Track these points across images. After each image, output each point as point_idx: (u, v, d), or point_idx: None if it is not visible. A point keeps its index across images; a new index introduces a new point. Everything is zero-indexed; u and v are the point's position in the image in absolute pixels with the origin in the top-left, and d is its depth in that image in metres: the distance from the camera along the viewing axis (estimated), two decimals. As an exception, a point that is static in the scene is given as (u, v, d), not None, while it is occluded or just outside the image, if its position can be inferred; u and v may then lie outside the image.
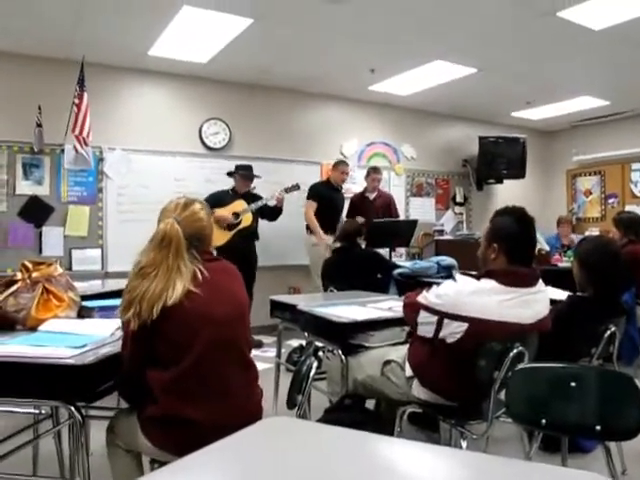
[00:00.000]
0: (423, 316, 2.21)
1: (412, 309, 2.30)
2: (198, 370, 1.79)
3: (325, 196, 6.14)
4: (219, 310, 1.85)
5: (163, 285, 1.77)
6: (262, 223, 5.94)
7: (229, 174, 5.87)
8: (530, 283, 2.23)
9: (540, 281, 2.29)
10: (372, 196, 6.51)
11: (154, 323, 1.76)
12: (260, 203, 5.66)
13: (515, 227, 2.25)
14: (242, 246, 5.39)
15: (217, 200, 5.47)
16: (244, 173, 5.76)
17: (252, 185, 5.83)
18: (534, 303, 2.22)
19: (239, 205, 5.63)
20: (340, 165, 6.32)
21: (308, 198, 6.17)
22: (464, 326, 2.09)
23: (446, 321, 2.13)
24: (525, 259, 2.25)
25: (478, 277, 2.21)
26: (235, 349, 1.91)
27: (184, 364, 1.77)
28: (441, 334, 2.15)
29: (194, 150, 6.30)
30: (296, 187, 5.82)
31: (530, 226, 2.27)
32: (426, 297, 2.24)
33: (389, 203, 6.59)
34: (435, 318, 2.15)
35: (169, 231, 1.84)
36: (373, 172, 6.48)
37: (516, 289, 2.16)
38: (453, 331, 2.12)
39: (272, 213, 5.82)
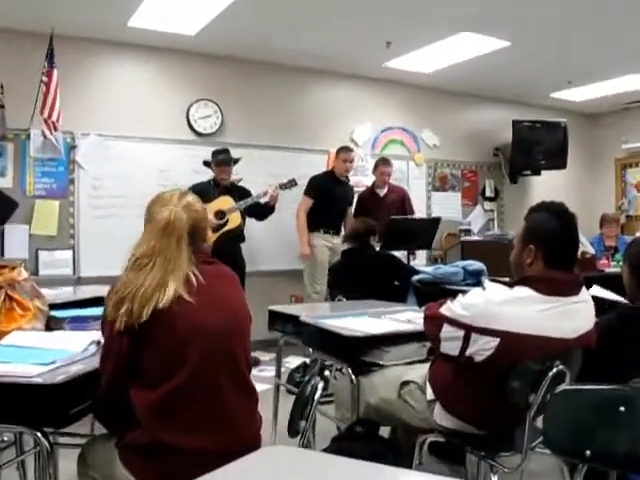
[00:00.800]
0: (447, 330, 2.20)
1: (434, 322, 2.29)
2: (189, 390, 1.80)
3: (325, 190, 6.12)
4: (215, 321, 1.88)
5: (158, 281, 1.81)
6: (257, 222, 5.94)
7: (206, 164, 5.80)
8: (572, 291, 2.22)
9: (583, 289, 2.28)
10: (382, 192, 6.53)
11: (143, 328, 1.78)
12: (250, 201, 5.59)
13: (554, 225, 2.24)
14: (227, 250, 4.99)
15: (198, 194, 5.17)
16: (220, 158, 5.65)
17: (236, 175, 5.74)
18: (576, 314, 2.21)
19: (225, 202, 5.54)
20: (342, 152, 6.28)
21: (304, 193, 6.16)
22: (495, 341, 2.07)
23: (474, 336, 2.11)
24: (566, 263, 2.25)
25: (511, 285, 2.21)
26: (233, 368, 1.92)
27: (173, 383, 1.79)
28: (468, 351, 2.14)
29: (181, 136, 6.32)
30: (293, 183, 5.78)
31: (572, 224, 2.27)
32: (450, 308, 2.23)
33: (403, 199, 6.61)
34: (461, 333, 2.14)
35: (173, 219, 1.91)
36: (382, 164, 6.51)
37: (555, 298, 2.15)
38: (482, 347, 2.10)
39: (262, 211, 5.77)
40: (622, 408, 1.70)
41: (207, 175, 5.83)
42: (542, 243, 2.24)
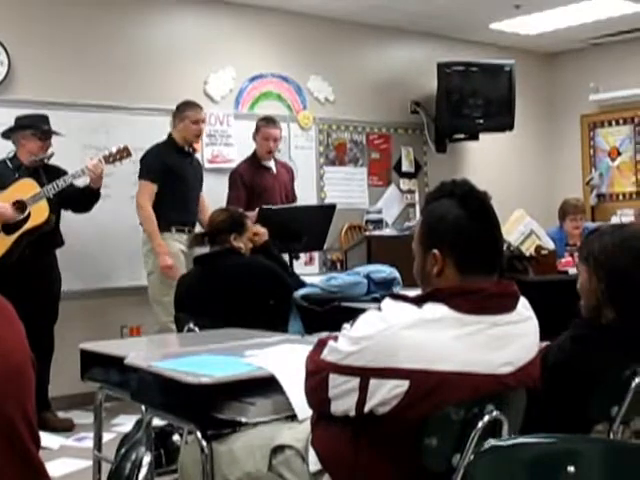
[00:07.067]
0: (335, 384, 2.19)
1: (317, 380, 2.26)
2: None
3: (172, 168, 6.10)
4: None
5: None
6: (70, 217, 5.90)
7: (5, 135, 5.74)
8: (504, 306, 2.25)
9: (522, 302, 2.32)
10: (273, 166, 6.58)
11: None
12: (62, 183, 5.53)
13: (460, 214, 2.29)
14: (33, 259, 5.35)
15: None
16: (34, 126, 5.61)
17: (49, 150, 5.72)
18: (513, 339, 2.24)
19: (26, 187, 5.50)
20: (187, 110, 6.23)
21: (141, 177, 6.12)
22: (403, 386, 2.09)
23: (374, 382, 2.11)
24: (486, 266, 2.29)
25: (419, 301, 2.21)
26: (10, 440, 1.81)
27: None
28: (367, 406, 2.13)
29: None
30: (124, 153, 5.79)
31: (484, 208, 2.34)
32: (334, 348, 2.22)
33: (292, 179, 6.82)
34: (355, 381, 2.13)
35: None
36: (266, 125, 6.52)
37: (480, 317, 2.19)
38: (386, 396, 2.10)
39: (82, 198, 5.79)
40: (571, 468, 1.76)
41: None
42: (448, 243, 2.28)
